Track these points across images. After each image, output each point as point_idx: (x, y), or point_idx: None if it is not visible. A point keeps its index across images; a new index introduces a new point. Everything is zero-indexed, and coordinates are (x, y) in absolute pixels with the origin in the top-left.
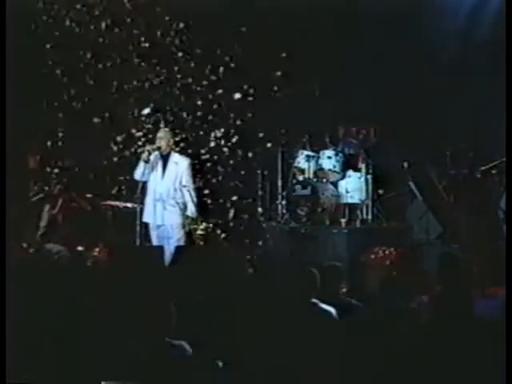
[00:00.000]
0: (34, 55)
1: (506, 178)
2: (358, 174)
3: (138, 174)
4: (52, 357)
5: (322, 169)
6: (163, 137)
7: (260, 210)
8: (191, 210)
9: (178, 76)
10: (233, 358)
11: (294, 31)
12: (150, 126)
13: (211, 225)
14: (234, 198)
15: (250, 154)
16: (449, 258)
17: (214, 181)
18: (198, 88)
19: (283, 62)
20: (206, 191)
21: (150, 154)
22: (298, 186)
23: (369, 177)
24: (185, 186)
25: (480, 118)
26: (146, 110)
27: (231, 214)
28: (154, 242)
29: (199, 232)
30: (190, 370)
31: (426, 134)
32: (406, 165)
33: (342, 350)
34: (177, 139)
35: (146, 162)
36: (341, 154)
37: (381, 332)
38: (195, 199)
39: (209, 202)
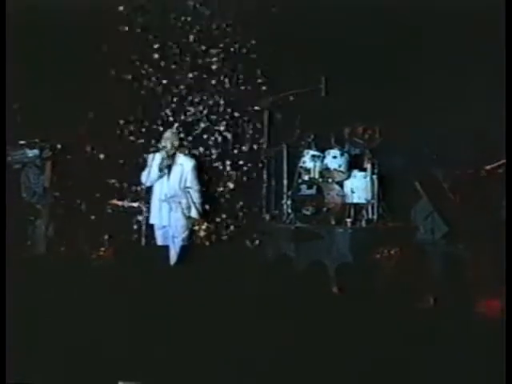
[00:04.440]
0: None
1: (506, 178)
2: (363, 174)
3: (145, 180)
4: (53, 357)
5: (327, 168)
6: (169, 137)
7: (265, 209)
8: (195, 211)
9: (184, 76)
10: (237, 357)
11: (302, 32)
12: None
13: (213, 226)
14: (239, 197)
15: (255, 154)
16: (454, 258)
17: (219, 181)
18: (203, 88)
19: (289, 61)
20: (211, 192)
21: (154, 153)
22: (303, 186)
23: (374, 177)
24: (189, 187)
25: (486, 116)
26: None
27: (236, 213)
28: (159, 241)
29: (202, 232)
30: (197, 366)
31: (431, 134)
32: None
33: (348, 347)
34: (181, 139)
35: (161, 169)
36: (346, 154)
37: (385, 330)
38: (199, 200)
39: (213, 202)
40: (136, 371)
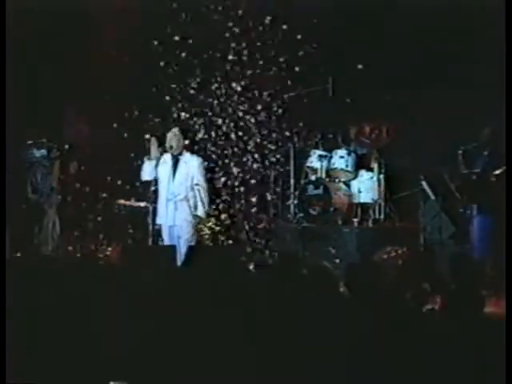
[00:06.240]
0: None
1: (506, 178)
2: (370, 174)
3: (144, 175)
4: (54, 357)
5: (334, 168)
6: (173, 137)
7: (272, 209)
8: (201, 209)
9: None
10: (245, 358)
11: (308, 31)
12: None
13: (220, 226)
14: (246, 197)
15: (262, 154)
16: (461, 258)
17: (226, 180)
18: (211, 87)
19: (296, 61)
20: (218, 191)
21: (162, 154)
22: (310, 186)
23: (381, 176)
24: (196, 185)
25: (494, 116)
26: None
27: (243, 214)
28: (166, 241)
29: (207, 231)
30: (205, 368)
31: (438, 133)
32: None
33: (354, 347)
34: (188, 139)
35: (149, 159)
36: (353, 154)
37: (392, 330)
38: (206, 198)
39: (220, 201)
40: (140, 372)
